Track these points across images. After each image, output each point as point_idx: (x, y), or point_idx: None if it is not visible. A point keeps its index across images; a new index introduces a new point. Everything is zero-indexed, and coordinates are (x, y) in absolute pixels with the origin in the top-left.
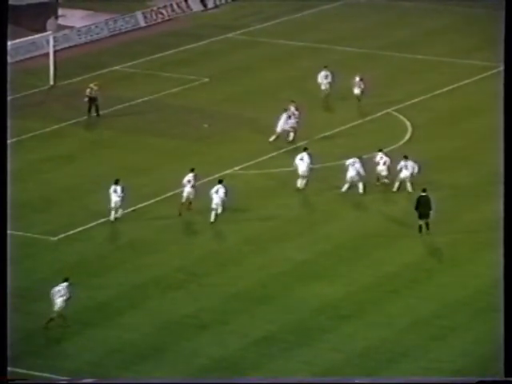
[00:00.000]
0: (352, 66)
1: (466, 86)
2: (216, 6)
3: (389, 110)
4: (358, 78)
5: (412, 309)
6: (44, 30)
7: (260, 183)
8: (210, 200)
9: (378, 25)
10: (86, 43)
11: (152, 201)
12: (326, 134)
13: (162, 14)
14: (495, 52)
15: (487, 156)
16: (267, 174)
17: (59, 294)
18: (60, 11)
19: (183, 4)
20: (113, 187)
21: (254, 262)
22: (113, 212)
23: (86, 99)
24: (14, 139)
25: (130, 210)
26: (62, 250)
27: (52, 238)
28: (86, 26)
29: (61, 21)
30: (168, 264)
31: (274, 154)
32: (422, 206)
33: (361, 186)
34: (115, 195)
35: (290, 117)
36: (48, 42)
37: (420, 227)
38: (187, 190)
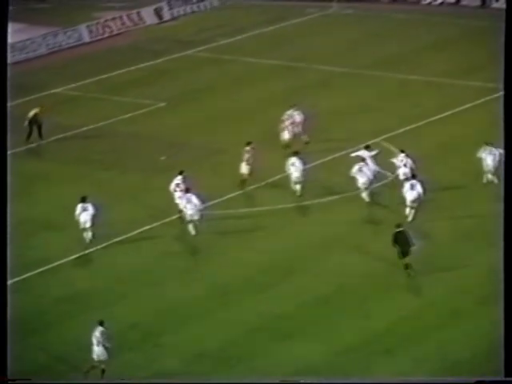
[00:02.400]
0: (333, 87)
1: (466, 110)
2: (173, 18)
3: (377, 140)
4: (288, 122)
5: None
6: None
7: (225, 225)
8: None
9: (363, 39)
10: (20, 61)
11: (99, 247)
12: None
13: (109, 27)
14: (499, 71)
15: (488, 193)
16: (234, 214)
17: (97, 340)
18: None
19: (135, 16)
20: (80, 206)
21: (222, 316)
22: (85, 233)
23: (27, 123)
24: None
25: (73, 256)
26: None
27: None
28: (20, 41)
29: None
30: (120, 320)
31: (242, 190)
32: (401, 243)
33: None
34: (85, 214)
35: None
36: None
37: (406, 267)
38: (178, 195)
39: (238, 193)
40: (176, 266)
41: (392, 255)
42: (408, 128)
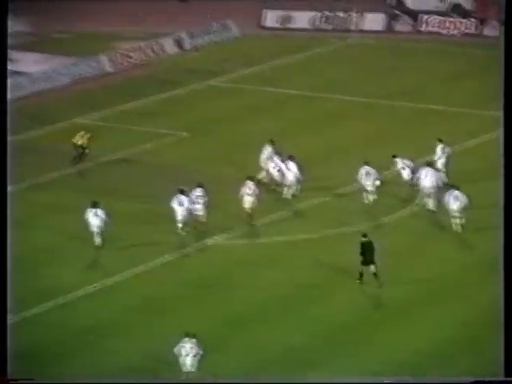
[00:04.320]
0: (351, 117)
1: (486, 142)
2: (194, 49)
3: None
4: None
5: None
6: None
7: (246, 255)
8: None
9: (380, 69)
10: (41, 91)
11: (118, 278)
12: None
13: (130, 57)
14: None
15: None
16: (256, 244)
17: (186, 352)
18: (10, 54)
19: (156, 46)
20: (92, 211)
21: (236, 345)
22: (96, 237)
23: (76, 147)
24: None
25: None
26: (12, 337)
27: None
28: (41, 71)
29: (11, 66)
30: (132, 351)
31: (265, 220)
32: (365, 252)
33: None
34: (96, 219)
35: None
36: None
37: (361, 275)
38: (198, 207)
39: (260, 222)
40: (191, 294)
41: (414, 283)
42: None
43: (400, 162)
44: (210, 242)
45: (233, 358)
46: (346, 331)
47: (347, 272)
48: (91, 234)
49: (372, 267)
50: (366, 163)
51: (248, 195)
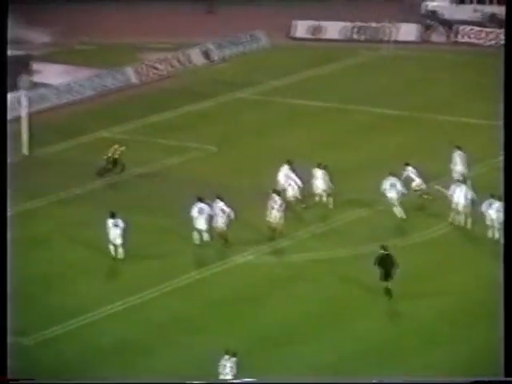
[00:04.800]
0: (383, 129)
1: None
2: (223, 60)
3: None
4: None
5: None
6: (15, 88)
7: (275, 272)
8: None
9: (414, 81)
10: (65, 104)
11: (143, 295)
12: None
13: (157, 68)
14: None
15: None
16: (284, 261)
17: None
18: (34, 66)
19: (183, 57)
20: (111, 221)
21: (265, 363)
22: (112, 248)
23: (108, 159)
24: None
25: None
26: (36, 354)
27: (25, 340)
28: (65, 83)
29: (35, 77)
30: (160, 370)
31: (293, 234)
32: (385, 267)
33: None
34: (116, 230)
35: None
36: (20, 103)
37: (387, 291)
38: (219, 219)
39: (288, 237)
40: (220, 313)
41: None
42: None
43: (411, 171)
44: (238, 259)
45: (262, 375)
46: (377, 349)
47: (377, 289)
48: (112, 246)
49: (388, 282)
50: (392, 174)
51: (274, 209)
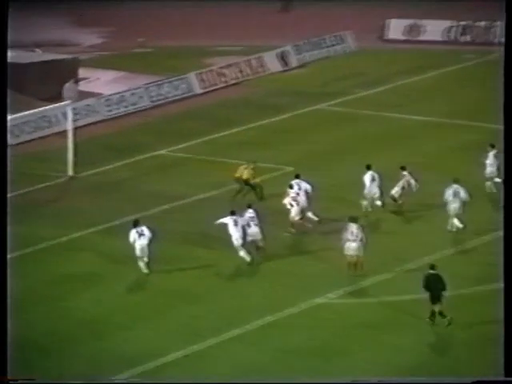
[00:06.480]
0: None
1: None
2: (301, 65)
3: None
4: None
5: None
6: (59, 99)
7: (364, 317)
8: None
9: None
10: (117, 117)
11: (209, 341)
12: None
13: (224, 75)
14: None
15: None
16: (366, 303)
17: None
18: (81, 72)
19: (255, 62)
20: (134, 231)
21: None
22: (141, 262)
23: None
24: (17, 253)
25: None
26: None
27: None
28: (117, 93)
29: (82, 86)
30: None
31: (387, 275)
32: (433, 288)
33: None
34: (142, 239)
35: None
36: (65, 116)
37: (432, 313)
38: (254, 230)
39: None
40: (299, 363)
41: None
42: None
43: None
44: (318, 300)
45: None
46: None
47: None
48: (137, 259)
49: (438, 305)
50: (456, 181)
51: (350, 241)
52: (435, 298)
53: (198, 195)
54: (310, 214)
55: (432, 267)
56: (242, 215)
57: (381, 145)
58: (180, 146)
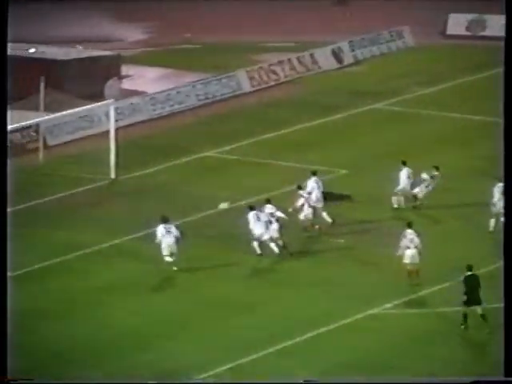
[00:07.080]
0: None
1: None
2: (356, 62)
3: None
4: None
5: None
6: (101, 97)
7: (420, 327)
8: None
9: None
10: (162, 117)
11: (253, 356)
12: None
13: (275, 73)
14: None
15: None
16: (432, 313)
17: None
18: (124, 69)
19: (307, 59)
20: (161, 228)
21: None
22: (168, 258)
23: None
24: (56, 259)
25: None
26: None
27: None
28: (162, 91)
29: (125, 84)
30: None
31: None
32: (470, 289)
33: None
34: (169, 236)
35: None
36: (107, 116)
37: (464, 317)
38: (273, 226)
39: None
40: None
41: None
42: None
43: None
44: (374, 310)
45: None
46: None
47: None
48: (169, 257)
49: (479, 308)
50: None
51: (408, 248)
52: (473, 300)
53: (246, 197)
54: (324, 215)
55: (469, 268)
56: (261, 210)
57: (439, 147)
58: (227, 147)
